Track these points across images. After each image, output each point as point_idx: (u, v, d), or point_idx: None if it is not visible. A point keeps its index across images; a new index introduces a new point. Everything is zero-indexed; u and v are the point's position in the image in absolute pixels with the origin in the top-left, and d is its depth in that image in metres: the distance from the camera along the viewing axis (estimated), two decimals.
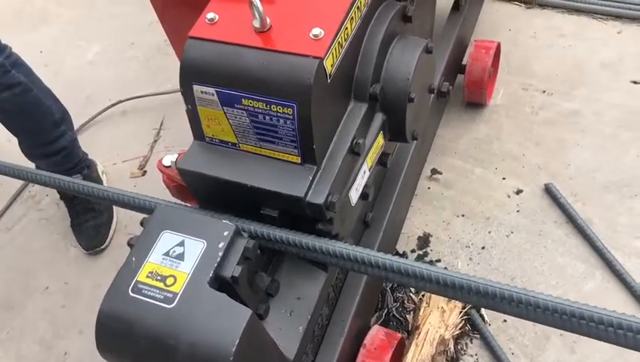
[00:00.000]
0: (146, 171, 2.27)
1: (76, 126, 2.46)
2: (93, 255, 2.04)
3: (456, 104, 2.15)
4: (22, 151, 2.02)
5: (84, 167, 2.11)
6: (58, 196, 2.16)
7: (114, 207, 2.11)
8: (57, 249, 2.11)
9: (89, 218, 2.07)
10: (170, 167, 1.28)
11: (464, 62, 2.07)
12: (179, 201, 1.37)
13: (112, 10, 2.98)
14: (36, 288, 2.02)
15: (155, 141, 2.36)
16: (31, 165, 2.00)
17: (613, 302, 1.61)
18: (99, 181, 2.16)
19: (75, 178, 1.94)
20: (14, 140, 1.99)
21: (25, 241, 2.17)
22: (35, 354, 1.85)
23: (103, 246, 2.05)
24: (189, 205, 1.32)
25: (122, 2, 2.97)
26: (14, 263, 2.11)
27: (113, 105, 2.50)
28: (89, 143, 2.43)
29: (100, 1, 3.05)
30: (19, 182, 2.34)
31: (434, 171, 1.99)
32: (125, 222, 2.12)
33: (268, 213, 1.14)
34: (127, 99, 2.50)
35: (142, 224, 1.13)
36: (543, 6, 2.42)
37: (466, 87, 2.06)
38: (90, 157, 2.18)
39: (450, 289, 0.99)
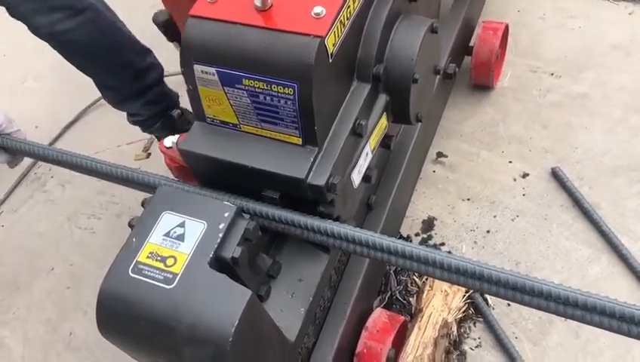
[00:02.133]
0: (150, 153, 2.27)
1: (81, 108, 2.47)
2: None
3: (463, 86, 2.13)
4: (107, 99, 1.81)
5: (178, 100, 1.87)
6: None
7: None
8: (63, 230, 2.12)
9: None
10: (171, 148, 1.28)
11: (471, 43, 2.04)
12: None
13: None
14: (42, 269, 2.03)
15: None
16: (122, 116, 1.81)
17: (618, 287, 1.60)
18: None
19: (177, 113, 1.75)
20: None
21: (31, 223, 2.18)
22: (41, 335, 1.87)
23: None
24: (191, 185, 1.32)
25: None
26: (20, 244, 2.12)
27: None
28: (94, 126, 2.44)
29: None
30: (23, 165, 2.34)
31: (439, 154, 1.97)
32: (129, 204, 2.13)
33: (269, 194, 1.13)
34: None
35: (143, 205, 1.13)
36: None
37: (472, 69, 2.03)
38: (95, 139, 2.16)
39: (453, 273, 0.99)
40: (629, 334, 0.87)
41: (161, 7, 1.75)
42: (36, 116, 2.51)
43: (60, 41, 1.57)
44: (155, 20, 1.08)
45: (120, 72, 1.71)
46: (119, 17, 1.74)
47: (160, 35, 1.59)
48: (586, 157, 1.87)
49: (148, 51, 1.78)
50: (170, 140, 1.28)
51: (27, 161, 2.34)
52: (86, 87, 2.01)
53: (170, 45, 1.60)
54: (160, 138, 1.90)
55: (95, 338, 1.79)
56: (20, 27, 1.65)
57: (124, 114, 1.95)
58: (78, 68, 1.70)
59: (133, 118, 1.86)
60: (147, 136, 2.31)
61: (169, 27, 1.34)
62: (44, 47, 1.71)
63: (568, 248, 1.70)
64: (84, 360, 1.78)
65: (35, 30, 1.57)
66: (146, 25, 2.42)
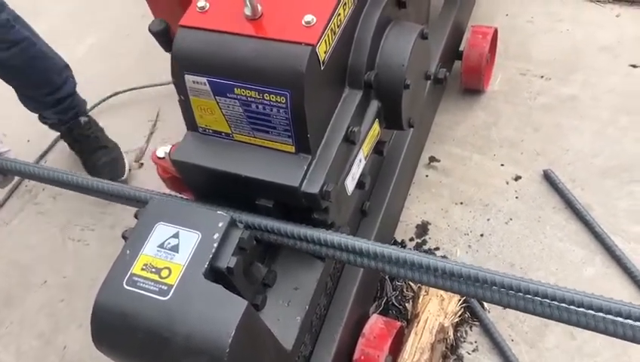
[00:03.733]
0: (142, 163, 2.26)
1: None
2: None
3: (454, 91, 2.14)
4: (25, 103, 2.08)
5: (86, 109, 2.21)
6: (66, 149, 2.28)
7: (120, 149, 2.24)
8: (55, 243, 2.11)
9: (103, 154, 2.17)
10: (163, 158, 1.27)
11: (461, 48, 2.05)
12: (174, 193, 1.36)
13: (106, 2, 2.96)
14: (35, 282, 2.01)
15: (152, 133, 2.35)
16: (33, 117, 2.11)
17: (613, 288, 1.61)
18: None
19: (84, 121, 2.14)
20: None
21: (22, 236, 2.16)
22: (35, 349, 1.85)
23: (123, 178, 2.16)
24: (184, 196, 1.31)
25: None
26: (12, 258, 2.10)
27: (109, 97, 2.49)
28: None
29: None
30: (16, 176, 2.32)
31: (432, 159, 1.98)
32: (123, 215, 2.12)
33: (263, 203, 1.13)
34: (123, 91, 2.49)
35: (136, 216, 1.12)
36: None
37: (463, 74, 2.04)
38: None
39: (447, 279, 0.98)
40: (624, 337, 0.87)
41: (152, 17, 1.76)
42: (27, 129, 2.49)
43: None
44: (150, 30, 1.08)
45: (42, 87, 2.03)
46: (45, 43, 2.01)
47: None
48: (577, 158, 1.88)
49: (65, 68, 2.08)
50: (162, 150, 1.27)
51: None
52: None
53: (159, 55, 1.60)
54: (63, 138, 2.24)
55: (89, 352, 1.77)
56: None
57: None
58: (5, 81, 1.98)
59: (46, 120, 2.15)
60: (139, 145, 2.31)
61: (165, 36, 1.33)
62: None
63: (562, 250, 1.70)
64: None
65: None
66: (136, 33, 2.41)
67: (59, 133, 2.23)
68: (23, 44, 1.85)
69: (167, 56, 1.12)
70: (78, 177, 1.29)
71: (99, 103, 2.47)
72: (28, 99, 2.07)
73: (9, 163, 1.39)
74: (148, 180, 2.15)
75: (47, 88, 2.02)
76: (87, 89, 2.52)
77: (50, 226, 2.16)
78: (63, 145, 2.43)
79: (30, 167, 1.36)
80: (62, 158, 2.36)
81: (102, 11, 2.92)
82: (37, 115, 2.15)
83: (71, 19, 2.95)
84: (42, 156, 2.38)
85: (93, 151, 2.17)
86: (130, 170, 2.21)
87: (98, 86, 2.52)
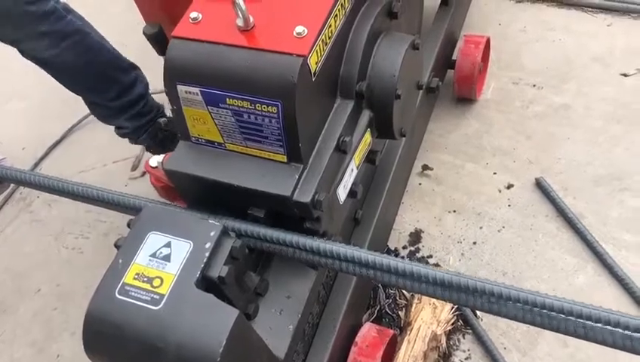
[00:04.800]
0: (144, 172, 2.25)
1: (66, 128, 2.47)
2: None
3: (447, 99, 2.15)
4: (96, 115, 1.86)
5: (164, 111, 1.93)
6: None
7: None
8: (49, 251, 2.11)
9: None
10: (157, 167, 1.28)
11: (454, 57, 2.07)
12: (167, 202, 1.36)
13: (100, 11, 2.96)
14: (28, 290, 2.01)
15: None
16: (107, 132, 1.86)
17: (604, 296, 1.61)
18: None
19: (164, 122, 1.85)
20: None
21: (17, 243, 2.16)
22: (28, 357, 1.85)
23: None
24: (177, 205, 1.32)
25: (111, 2, 2.96)
26: (6, 265, 2.10)
27: None
28: (80, 145, 2.44)
29: (88, 1, 3.03)
30: (10, 184, 2.33)
31: (425, 167, 1.99)
32: (117, 222, 2.12)
33: (254, 212, 1.13)
34: None
35: (129, 225, 1.13)
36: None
37: (456, 83, 2.06)
38: (81, 158, 2.16)
39: (438, 286, 0.99)
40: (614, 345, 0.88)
41: None
42: (22, 136, 2.50)
43: (49, 64, 1.63)
44: (144, 33, 1.08)
45: (106, 89, 1.75)
46: (104, 37, 1.78)
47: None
48: (569, 167, 1.90)
49: (133, 67, 1.82)
50: (155, 160, 1.28)
51: None
52: (72, 106, 2.01)
53: (154, 64, 1.61)
54: (150, 149, 1.94)
55: (82, 360, 1.77)
56: (4, 47, 1.65)
57: (110, 132, 1.97)
58: (66, 87, 1.75)
59: (121, 131, 1.89)
60: (134, 153, 2.31)
61: (159, 40, 1.33)
62: (29, 66, 1.71)
63: (554, 258, 1.71)
64: None
65: (26, 54, 1.62)
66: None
67: (55, 140, 2.11)
68: (76, 36, 1.60)
69: (162, 65, 1.13)
70: (73, 185, 1.29)
71: None
72: (95, 106, 1.81)
73: (5, 170, 1.38)
74: (146, 188, 2.15)
75: (114, 90, 1.75)
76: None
77: (45, 234, 2.16)
78: (58, 152, 2.44)
79: (26, 175, 1.35)
80: (57, 166, 2.36)
81: (97, 20, 2.92)
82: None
83: None
84: (37, 164, 2.38)
85: (167, 141, 1.92)
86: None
87: None
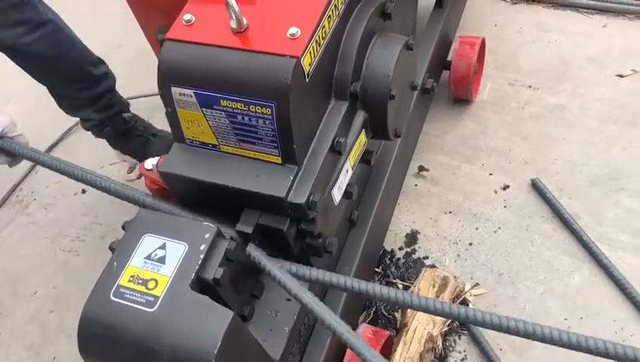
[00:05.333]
0: (141, 175, 2.25)
1: (62, 130, 2.47)
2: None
3: (443, 100, 2.15)
4: (63, 106, 1.89)
5: (128, 108, 2.02)
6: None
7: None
8: (46, 253, 2.10)
9: (150, 145, 2.03)
10: (151, 170, 1.28)
11: (449, 58, 2.07)
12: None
13: (97, 11, 2.97)
14: (25, 293, 2.01)
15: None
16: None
17: (600, 296, 1.62)
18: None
19: (128, 116, 1.95)
20: None
21: (13, 246, 2.16)
22: (24, 360, 1.85)
23: None
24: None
25: (108, 3, 2.95)
26: (2, 268, 2.10)
27: None
28: (76, 147, 2.43)
29: (84, 1, 3.03)
30: (6, 187, 2.32)
31: (420, 168, 1.99)
32: (114, 225, 2.12)
33: (242, 229, 1.13)
34: None
35: (124, 228, 1.13)
36: (528, 1, 2.43)
37: (451, 84, 2.06)
38: (78, 160, 2.16)
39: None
40: None
41: None
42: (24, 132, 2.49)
43: (22, 52, 1.66)
44: (158, 38, 1.10)
45: (76, 81, 1.79)
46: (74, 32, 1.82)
47: None
48: (565, 167, 1.90)
49: (101, 61, 1.87)
50: (150, 163, 1.28)
51: (8, 185, 2.33)
52: None
53: (150, 66, 1.61)
54: (111, 142, 2.04)
55: None
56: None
57: None
58: (34, 77, 1.78)
59: (87, 124, 1.94)
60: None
61: None
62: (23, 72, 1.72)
63: (550, 258, 1.71)
64: None
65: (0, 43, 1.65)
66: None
67: (52, 143, 2.13)
68: (48, 27, 1.64)
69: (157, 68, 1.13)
70: (82, 171, 1.30)
71: None
72: (61, 97, 1.84)
73: (19, 148, 1.39)
74: (146, 191, 2.15)
75: (82, 82, 1.79)
76: None
77: (41, 237, 2.16)
78: (55, 155, 2.42)
79: (38, 154, 1.38)
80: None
81: (92, 23, 2.93)
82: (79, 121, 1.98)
83: None
84: (33, 167, 2.38)
85: (146, 143, 2.01)
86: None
87: None
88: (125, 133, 1.99)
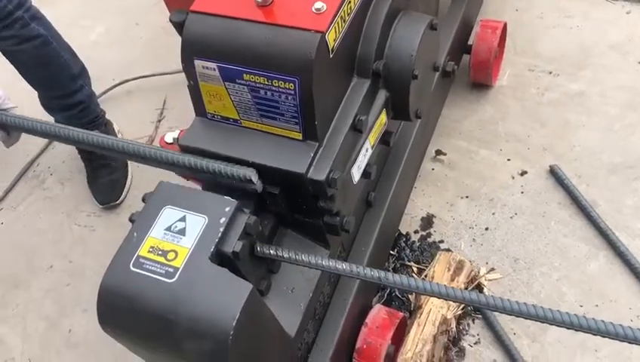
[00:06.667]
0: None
1: None
2: (108, 210, 2.12)
3: (462, 84, 2.14)
4: (41, 103, 2.05)
5: (101, 123, 2.16)
6: (76, 153, 2.23)
7: (129, 165, 2.19)
8: (62, 228, 2.12)
9: (105, 173, 2.13)
10: (172, 143, 1.28)
11: (470, 42, 2.05)
12: (182, 179, 1.37)
13: None
14: (41, 267, 2.03)
15: (159, 120, 2.36)
16: (50, 119, 2.04)
17: (616, 284, 1.61)
18: None
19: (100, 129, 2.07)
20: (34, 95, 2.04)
21: (29, 220, 2.18)
22: (41, 331, 1.87)
23: (117, 202, 2.12)
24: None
25: None
26: (19, 242, 2.12)
27: (117, 85, 2.50)
28: None
29: None
30: (23, 162, 2.34)
31: (438, 152, 1.98)
32: (129, 201, 2.13)
33: (270, 190, 1.13)
34: (132, 79, 2.50)
35: (144, 200, 1.13)
36: None
37: (471, 68, 2.04)
38: None
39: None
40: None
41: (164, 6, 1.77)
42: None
43: (9, 55, 1.88)
44: (171, 20, 1.08)
45: (50, 89, 2.00)
46: (66, 45, 1.98)
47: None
48: (583, 154, 1.88)
49: (80, 75, 2.04)
50: (170, 136, 1.28)
51: (26, 159, 2.35)
52: None
53: (168, 44, 1.61)
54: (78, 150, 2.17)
55: (94, 335, 1.79)
56: None
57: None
58: (20, 73, 1.96)
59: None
60: (147, 133, 2.32)
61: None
62: None
63: (566, 245, 1.71)
64: (83, 357, 1.78)
65: None
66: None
67: None
68: (36, 41, 1.83)
69: (174, 45, 1.12)
70: (88, 134, 1.16)
71: (107, 91, 2.49)
72: (39, 96, 2.04)
73: (13, 119, 1.25)
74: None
75: (57, 92, 2.00)
76: (96, 77, 2.53)
77: (58, 211, 2.18)
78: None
79: (37, 124, 1.21)
80: (67, 149, 2.36)
81: (111, 0, 2.93)
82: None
83: (81, 7, 2.96)
84: (47, 145, 2.39)
85: (98, 167, 2.14)
86: (128, 192, 2.16)
87: (107, 73, 2.53)
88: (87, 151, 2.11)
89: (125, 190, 2.15)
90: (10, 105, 1.36)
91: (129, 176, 2.18)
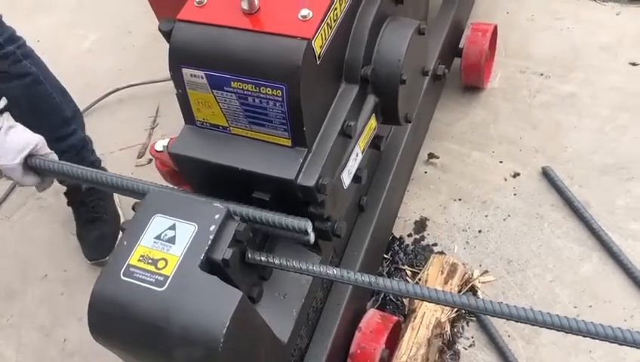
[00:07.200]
0: (151, 160, 2.26)
1: None
2: (97, 266, 1.98)
3: (454, 87, 2.14)
4: None
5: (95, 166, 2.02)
6: (63, 195, 2.11)
7: (120, 216, 2.09)
8: (56, 237, 2.12)
9: (94, 228, 2.02)
10: (162, 151, 1.28)
11: (461, 45, 2.06)
12: (173, 186, 1.37)
13: None
14: (35, 276, 2.03)
15: (153, 128, 2.36)
16: None
17: (609, 285, 1.61)
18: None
19: (84, 186, 1.94)
20: None
21: (24, 230, 2.18)
22: (35, 341, 1.87)
23: (105, 259, 1.95)
24: (184, 190, 1.32)
25: None
26: (14, 251, 2.12)
27: (110, 93, 2.50)
28: (86, 131, 2.44)
29: None
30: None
31: (430, 155, 1.99)
32: (124, 210, 2.13)
33: (259, 196, 1.14)
34: (124, 88, 2.50)
35: (134, 209, 1.13)
36: None
37: (463, 71, 2.05)
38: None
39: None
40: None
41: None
42: None
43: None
44: (160, 29, 1.08)
45: (41, 129, 1.80)
46: (59, 86, 1.88)
47: None
48: (575, 156, 1.89)
49: (74, 118, 1.93)
50: (160, 144, 1.29)
51: None
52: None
53: (160, 52, 1.61)
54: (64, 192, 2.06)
55: (89, 345, 1.77)
56: None
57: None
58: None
59: None
60: (140, 141, 2.32)
61: None
62: None
63: (560, 246, 1.71)
64: None
65: None
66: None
67: None
68: (27, 79, 1.75)
69: (167, 53, 1.13)
70: (125, 180, 1.21)
71: (100, 99, 2.49)
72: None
73: (50, 164, 1.29)
74: (157, 175, 2.15)
75: (48, 133, 1.78)
76: (89, 85, 2.54)
77: (52, 221, 2.17)
78: None
79: (75, 169, 1.27)
80: None
81: (104, 8, 2.94)
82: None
83: (73, 15, 2.97)
84: None
85: (87, 221, 2.03)
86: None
87: (99, 82, 2.53)
88: (74, 199, 2.03)
89: (116, 244, 2.03)
90: (46, 152, 1.35)
91: (120, 231, 2.02)
